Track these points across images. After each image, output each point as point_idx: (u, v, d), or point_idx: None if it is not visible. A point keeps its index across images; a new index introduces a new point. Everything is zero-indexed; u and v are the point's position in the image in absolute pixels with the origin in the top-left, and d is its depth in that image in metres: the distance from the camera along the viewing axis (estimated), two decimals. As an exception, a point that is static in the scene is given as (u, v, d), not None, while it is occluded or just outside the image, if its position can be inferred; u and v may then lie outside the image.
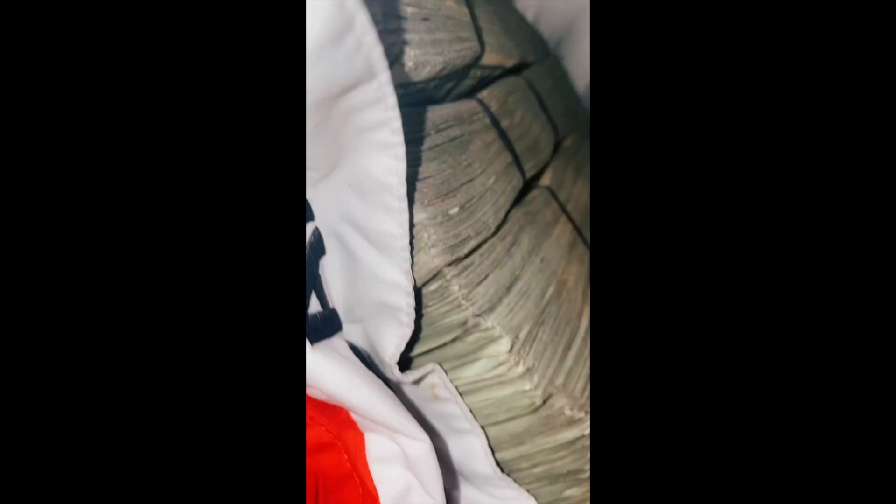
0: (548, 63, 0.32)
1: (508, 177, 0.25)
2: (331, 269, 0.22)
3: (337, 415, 0.23)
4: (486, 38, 0.25)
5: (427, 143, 0.21)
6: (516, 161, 0.26)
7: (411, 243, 0.19)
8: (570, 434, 0.23)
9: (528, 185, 0.27)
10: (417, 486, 0.22)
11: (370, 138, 0.18)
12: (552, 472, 0.24)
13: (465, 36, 0.24)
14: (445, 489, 0.24)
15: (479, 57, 0.24)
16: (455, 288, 0.21)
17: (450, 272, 0.21)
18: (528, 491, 0.24)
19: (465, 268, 0.21)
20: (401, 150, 0.18)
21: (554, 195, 0.28)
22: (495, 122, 0.25)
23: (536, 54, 0.31)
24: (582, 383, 0.24)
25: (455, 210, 0.21)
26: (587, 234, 0.29)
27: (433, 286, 0.21)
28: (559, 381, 0.23)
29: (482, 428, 0.23)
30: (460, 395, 0.23)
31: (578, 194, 0.30)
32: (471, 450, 0.23)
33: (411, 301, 0.20)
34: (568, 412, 0.22)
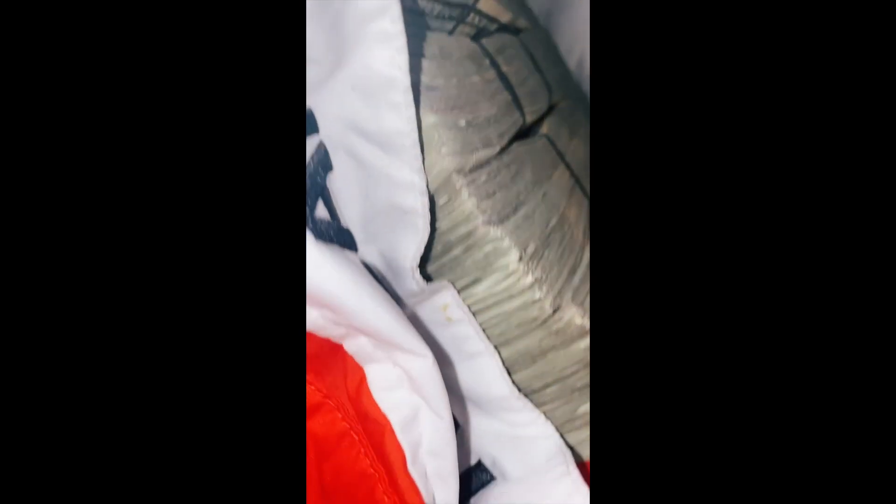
0: (538, 33, 0.34)
1: (510, 112, 0.26)
2: (342, 185, 0.23)
3: (329, 366, 0.23)
4: (482, -9, 0.27)
5: (432, 62, 0.22)
6: (516, 101, 0.27)
7: (421, 141, 0.20)
8: (582, 345, 0.23)
9: (527, 131, 0.28)
10: (425, 407, 0.22)
11: (370, 29, 0.18)
12: (565, 390, 0.24)
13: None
14: (456, 422, 0.24)
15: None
16: (465, 196, 0.22)
17: (459, 181, 0.22)
18: (543, 413, 0.24)
19: (474, 181, 0.22)
20: (402, 41, 0.18)
21: (553, 144, 0.29)
22: (495, 64, 0.27)
23: (528, 21, 0.33)
24: (589, 301, 0.24)
25: (462, 123, 0.22)
26: (586, 186, 0.31)
27: (443, 198, 0.22)
28: (567, 295, 0.23)
29: (495, 348, 0.23)
30: (473, 314, 0.23)
31: (575, 150, 0.31)
32: (485, 372, 0.23)
33: (426, 201, 0.21)
34: (578, 321, 0.23)
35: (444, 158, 0.21)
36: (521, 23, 0.31)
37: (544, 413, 0.24)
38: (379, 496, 0.21)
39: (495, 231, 0.22)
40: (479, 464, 0.25)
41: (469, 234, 0.22)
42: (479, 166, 0.23)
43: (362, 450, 0.21)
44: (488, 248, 0.22)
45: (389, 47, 0.19)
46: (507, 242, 0.22)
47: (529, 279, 0.22)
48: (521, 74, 0.29)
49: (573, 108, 0.35)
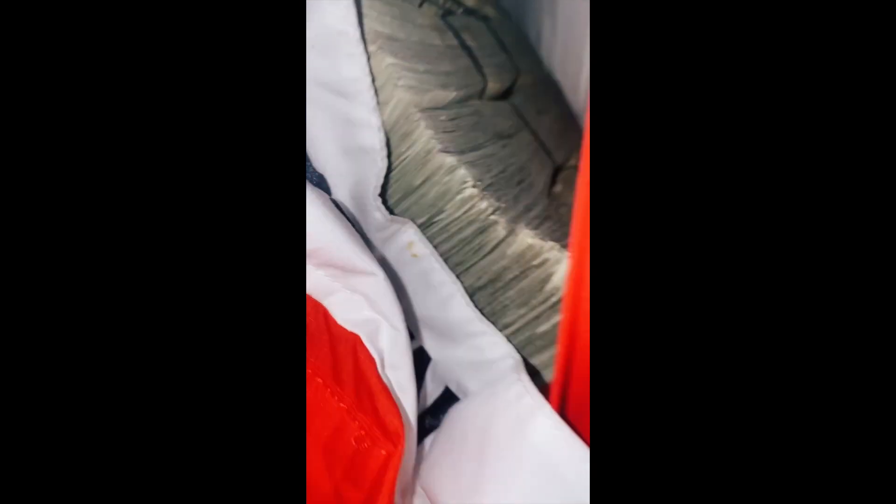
0: (509, 24, 0.38)
1: (469, 75, 0.29)
2: (314, 134, 0.26)
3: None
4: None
5: (395, 20, 0.26)
6: (477, 67, 0.30)
7: (375, 86, 0.23)
8: (540, 268, 0.25)
9: (493, 99, 0.31)
10: (383, 322, 0.24)
11: None
12: (526, 312, 0.26)
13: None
14: (428, 355, 0.26)
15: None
16: (422, 126, 0.24)
17: (416, 114, 0.24)
18: (505, 336, 0.26)
19: (432, 116, 0.25)
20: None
21: (517, 111, 0.32)
22: (458, 36, 0.30)
23: (497, 12, 0.37)
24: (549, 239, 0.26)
25: (420, 68, 0.25)
26: (554, 154, 0.33)
27: (402, 130, 0.25)
28: (522, 223, 0.25)
29: (458, 276, 0.26)
30: (436, 245, 0.26)
31: (541, 123, 0.34)
32: (450, 300, 0.25)
33: (382, 137, 0.24)
34: (529, 241, 0.25)
35: (401, 90, 0.24)
36: (488, 10, 0.35)
37: (507, 336, 0.26)
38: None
39: (451, 159, 0.24)
40: (446, 390, 0.27)
41: (427, 163, 0.25)
42: (437, 107, 0.26)
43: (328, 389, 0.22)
44: (447, 177, 0.25)
45: (340, 5, 0.22)
46: (462, 171, 0.25)
47: (485, 204, 0.25)
48: (484, 50, 0.32)
49: (544, 93, 0.38)
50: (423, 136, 0.24)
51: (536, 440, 0.19)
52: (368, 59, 0.23)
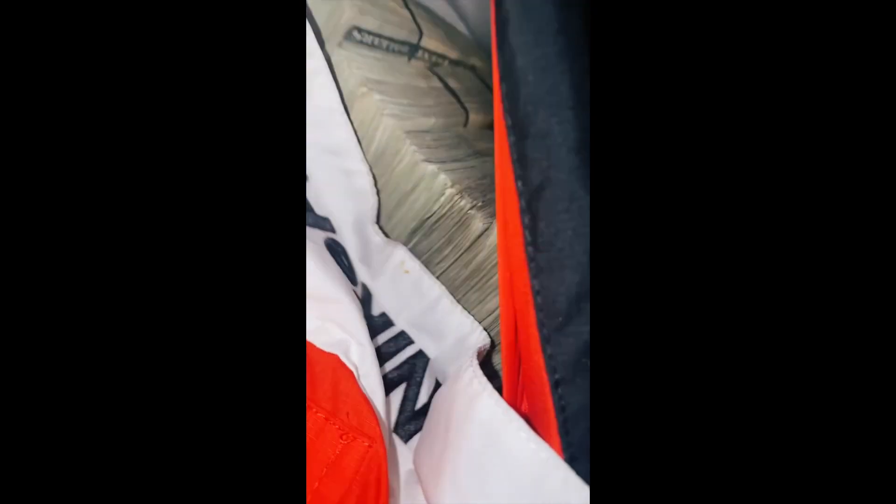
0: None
1: (450, 108, 0.35)
2: (320, 187, 0.31)
3: None
4: None
5: (381, 63, 0.32)
6: (460, 104, 0.36)
7: (360, 142, 0.30)
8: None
9: (473, 128, 0.37)
10: (352, 340, 0.28)
11: (311, 83, 0.29)
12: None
13: None
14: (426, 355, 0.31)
15: None
16: (407, 145, 0.30)
17: (403, 136, 0.30)
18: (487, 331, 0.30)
19: (418, 138, 0.31)
20: (329, 78, 0.28)
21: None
22: (442, 80, 0.36)
23: (483, 62, 0.43)
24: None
25: (405, 102, 0.31)
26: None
27: (391, 148, 0.30)
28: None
29: (447, 268, 0.30)
30: (427, 244, 0.31)
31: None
32: (437, 301, 0.30)
33: (371, 179, 0.30)
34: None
35: (387, 118, 0.30)
36: (475, 61, 0.41)
37: (493, 320, 0.30)
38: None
39: (433, 167, 0.30)
40: (436, 383, 0.31)
41: (414, 172, 0.30)
42: (421, 131, 0.31)
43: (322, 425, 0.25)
44: (432, 182, 0.30)
45: (326, 90, 0.29)
46: (443, 176, 0.30)
47: (464, 202, 0.30)
48: (469, 91, 0.38)
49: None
50: (409, 151, 0.30)
51: (483, 415, 0.22)
52: (352, 124, 0.30)
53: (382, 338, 0.32)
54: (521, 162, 0.19)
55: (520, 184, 0.19)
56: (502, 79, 0.20)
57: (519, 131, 0.19)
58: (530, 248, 0.19)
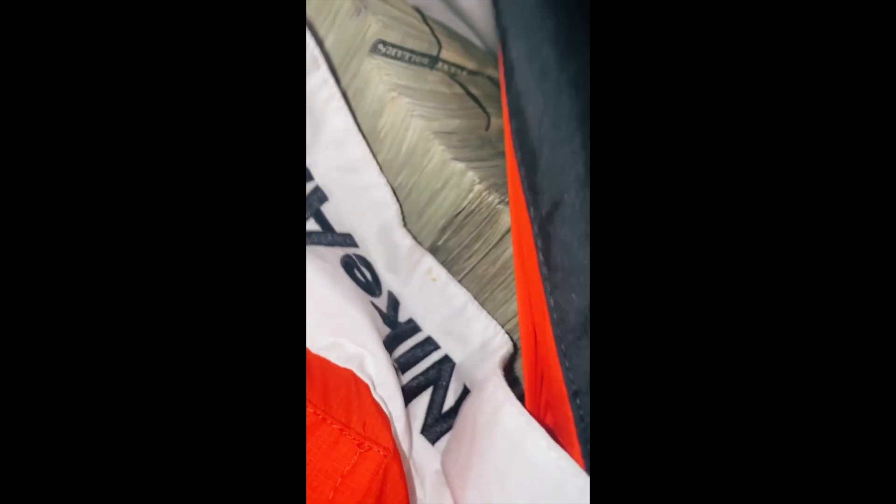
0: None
1: (474, 112, 0.36)
2: (341, 206, 0.32)
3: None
4: None
5: (407, 69, 0.33)
6: (482, 108, 0.37)
7: (376, 158, 0.31)
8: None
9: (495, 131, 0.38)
10: (366, 353, 0.28)
11: (327, 107, 0.30)
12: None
13: None
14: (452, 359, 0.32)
15: None
16: (436, 144, 0.31)
17: (432, 136, 0.31)
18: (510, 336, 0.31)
19: (446, 137, 0.31)
20: (341, 102, 0.30)
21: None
22: (464, 87, 0.37)
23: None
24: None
25: (430, 104, 0.32)
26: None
27: (420, 148, 0.31)
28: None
29: (476, 265, 0.31)
30: (458, 241, 0.32)
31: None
32: (463, 308, 0.31)
33: (390, 189, 0.31)
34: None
35: (416, 119, 0.31)
36: (491, 72, 0.42)
37: (517, 322, 0.31)
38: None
39: (461, 165, 0.31)
40: (464, 387, 0.32)
41: (443, 171, 0.31)
42: (448, 132, 0.32)
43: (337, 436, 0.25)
44: (460, 179, 0.31)
45: (341, 114, 0.30)
46: (471, 173, 0.31)
47: (492, 197, 0.30)
48: (490, 99, 0.39)
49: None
50: (438, 150, 0.31)
51: (506, 424, 0.23)
52: (366, 141, 0.31)
53: (410, 343, 0.32)
54: (532, 190, 0.20)
55: (532, 210, 0.20)
56: (511, 116, 0.21)
57: (529, 165, 0.20)
58: (544, 269, 0.20)
